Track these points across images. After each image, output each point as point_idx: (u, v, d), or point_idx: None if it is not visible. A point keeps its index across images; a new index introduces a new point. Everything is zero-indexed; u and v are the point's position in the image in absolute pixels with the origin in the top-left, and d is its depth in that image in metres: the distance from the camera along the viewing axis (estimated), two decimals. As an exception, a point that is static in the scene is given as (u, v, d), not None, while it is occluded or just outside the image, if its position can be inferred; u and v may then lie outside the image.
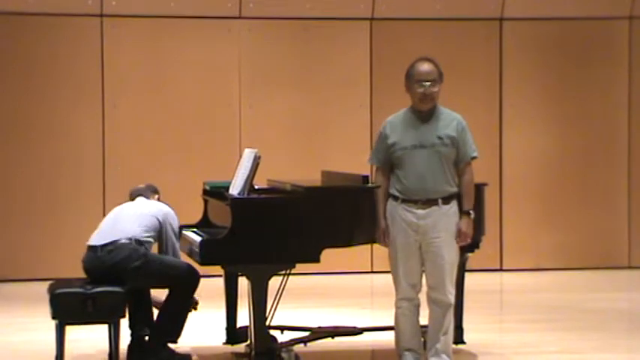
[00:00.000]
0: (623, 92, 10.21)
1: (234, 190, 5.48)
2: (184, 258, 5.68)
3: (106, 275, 5.40)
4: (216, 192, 5.95)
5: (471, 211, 5.30)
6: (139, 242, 5.48)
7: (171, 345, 5.58)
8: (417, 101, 5.30)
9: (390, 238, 5.31)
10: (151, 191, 5.98)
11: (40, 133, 9.47)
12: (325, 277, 9.20)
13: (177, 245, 5.68)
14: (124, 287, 5.36)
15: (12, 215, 9.45)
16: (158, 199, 5.96)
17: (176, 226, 5.69)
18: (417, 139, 5.26)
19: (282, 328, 6.15)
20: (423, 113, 5.31)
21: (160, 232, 5.60)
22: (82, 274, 5.67)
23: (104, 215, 5.96)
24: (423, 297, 5.39)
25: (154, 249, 5.66)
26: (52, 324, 5.38)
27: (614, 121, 10.22)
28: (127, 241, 5.46)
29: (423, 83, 5.25)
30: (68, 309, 5.27)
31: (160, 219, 5.61)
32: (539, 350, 6.30)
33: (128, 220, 5.57)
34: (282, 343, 5.75)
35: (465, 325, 6.21)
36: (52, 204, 9.45)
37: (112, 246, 5.45)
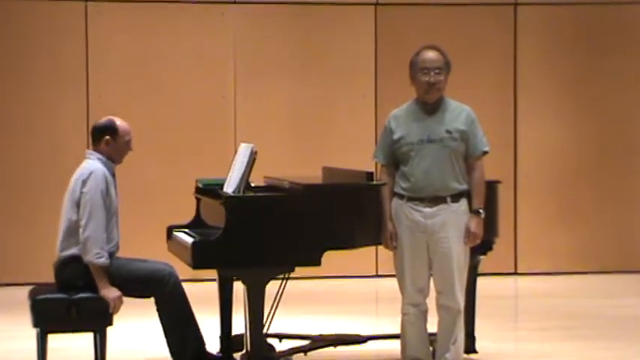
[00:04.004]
0: (645, 82, 10.23)
1: (229, 188, 5.49)
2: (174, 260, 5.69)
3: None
4: (209, 190, 5.95)
5: (481, 210, 5.32)
6: (73, 257, 5.40)
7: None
8: (422, 92, 5.32)
9: (396, 241, 5.33)
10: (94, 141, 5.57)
11: (22, 126, 9.49)
12: (327, 281, 9.20)
13: (95, 208, 5.31)
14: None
15: (-10, 215, 9.49)
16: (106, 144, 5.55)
17: (94, 189, 5.34)
18: (423, 134, 5.28)
19: (280, 337, 6.17)
20: (430, 105, 5.33)
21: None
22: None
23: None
24: (431, 303, 5.41)
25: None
26: (34, 332, 5.40)
27: (636, 114, 10.23)
28: (66, 256, 5.40)
29: (428, 72, 5.27)
30: (50, 316, 5.26)
31: (79, 200, 5.39)
32: (557, 360, 6.33)
33: (60, 231, 5.49)
34: (280, 352, 5.77)
35: (477, 332, 6.22)
36: (33, 203, 9.46)
37: (57, 263, 5.46)
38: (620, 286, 9.56)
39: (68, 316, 5.25)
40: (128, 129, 5.62)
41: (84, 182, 5.41)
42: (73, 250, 5.38)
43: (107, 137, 5.55)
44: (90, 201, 5.36)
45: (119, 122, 5.60)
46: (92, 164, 5.49)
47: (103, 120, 5.64)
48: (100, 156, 5.54)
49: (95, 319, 5.29)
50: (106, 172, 5.47)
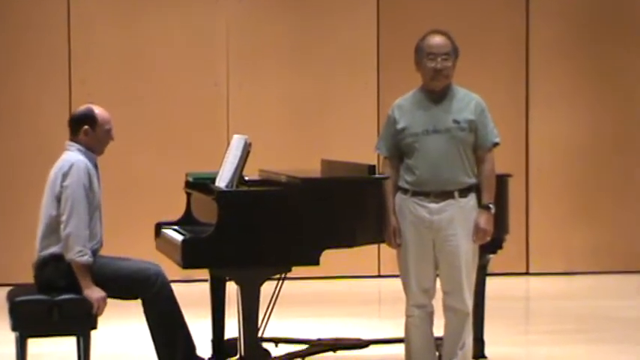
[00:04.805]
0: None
1: (222, 182, 5.48)
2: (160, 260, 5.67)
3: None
4: (200, 184, 5.94)
5: (491, 205, 5.30)
6: (54, 256, 5.36)
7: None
8: (428, 79, 5.30)
9: (400, 238, 5.30)
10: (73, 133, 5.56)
11: (4, 120, 9.46)
12: (326, 281, 9.21)
13: (77, 202, 5.28)
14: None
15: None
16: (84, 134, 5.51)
17: (76, 182, 5.32)
18: (429, 124, 5.26)
19: (276, 341, 6.16)
20: (436, 93, 5.31)
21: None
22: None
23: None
24: (437, 304, 5.38)
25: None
26: (12, 336, 5.37)
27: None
28: (47, 255, 5.36)
29: (435, 57, 5.24)
30: (30, 319, 5.22)
31: (60, 194, 5.35)
32: (570, 365, 6.34)
33: (40, 228, 5.44)
34: (276, 357, 5.75)
35: (487, 336, 6.21)
36: (13, 200, 9.43)
37: (37, 262, 5.43)
38: (638, 287, 9.55)
39: (49, 319, 5.21)
40: (108, 117, 5.59)
41: (64, 175, 5.37)
42: (53, 249, 5.35)
43: (86, 127, 5.51)
44: (71, 195, 5.32)
45: (98, 110, 5.57)
46: (73, 156, 5.45)
47: (81, 109, 5.60)
48: (79, 147, 5.50)
49: (78, 322, 5.25)
50: (88, 163, 5.43)
